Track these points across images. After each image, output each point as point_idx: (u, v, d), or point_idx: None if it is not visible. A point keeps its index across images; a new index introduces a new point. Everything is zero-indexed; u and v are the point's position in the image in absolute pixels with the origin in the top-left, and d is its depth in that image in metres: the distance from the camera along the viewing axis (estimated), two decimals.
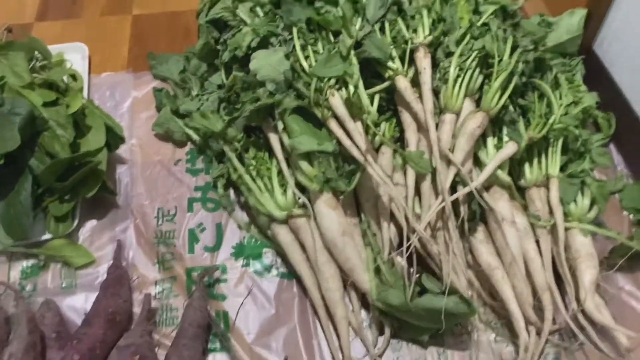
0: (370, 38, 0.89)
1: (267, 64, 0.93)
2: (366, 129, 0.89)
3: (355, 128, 0.86)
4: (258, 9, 1.03)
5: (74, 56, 1.26)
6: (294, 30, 0.91)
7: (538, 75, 0.98)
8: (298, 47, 0.90)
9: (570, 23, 1.10)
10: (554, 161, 0.94)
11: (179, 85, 1.20)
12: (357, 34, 0.89)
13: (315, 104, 0.89)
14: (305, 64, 0.89)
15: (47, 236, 0.98)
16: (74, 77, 1.16)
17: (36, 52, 1.15)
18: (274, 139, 0.97)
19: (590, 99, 1.05)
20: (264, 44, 0.98)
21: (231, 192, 1.06)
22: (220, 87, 1.11)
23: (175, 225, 1.02)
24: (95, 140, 1.02)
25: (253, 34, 0.97)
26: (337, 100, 0.87)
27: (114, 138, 1.07)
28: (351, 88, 0.88)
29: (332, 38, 0.92)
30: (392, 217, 0.91)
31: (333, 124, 0.88)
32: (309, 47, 0.91)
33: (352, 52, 0.88)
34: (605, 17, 1.12)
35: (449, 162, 0.87)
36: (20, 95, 1.00)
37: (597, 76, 1.16)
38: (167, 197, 1.06)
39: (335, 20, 0.90)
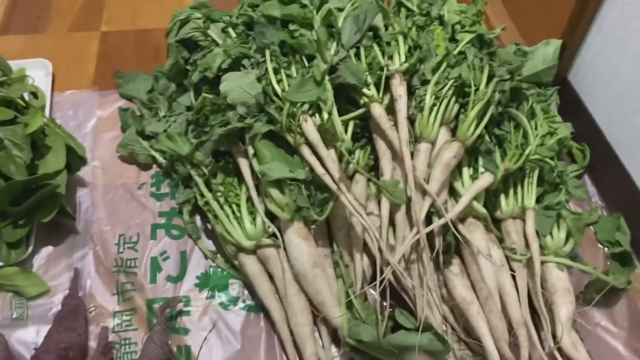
0: (345, 63, 0.86)
1: (238, 86, 0.89)
2: (340, 157, 0.86)
3: (329, 155, 0.83)
4: (230, 30, 1.00)
5: (37, 72, 1.20)
6: (267, 52, 0.88)
7: (514, 105, 0.97)
8: (271, 70, 0.87)
9: (545, 53, 1.10)
10: (529, 192, 0.93)
11: (146, 105, 1.15)
12: (331, 59, 0.87)
13: (288, 130, 0.85)
14: (277, 88, 0.86)
15: None
16: (35, 94, 1.11)
17: None
18: (243, 164, 0.93)
19: (565, 129, 1.05)
20: (235, 65, 0.95)
21: (197, 218, 1.01)
22: (189, 108, 1.07)
23: (137, 253, 0.97)
24: (55, 161, 0.97)
25: (224, 55, 0.93)
26: (310, 126, 0.84)
27: (75, 159, 1.02)
28: (325, 114, 0.85)
29: (306, 62, 0.89)
30: (366, 248, 0.87)
31: (306, 151, 0.85)
32: (282, 71, 0.88)
33: (327, 77, 0.85)
34: (580, 47, 1.12)
35: (424, 193, 0.84)
36: None
37: (572, 106, 1.15)
38: (130, 223, 1.01)
39: (309, 44, 0.87)
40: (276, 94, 0.86)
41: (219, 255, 0.97)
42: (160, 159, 1.06)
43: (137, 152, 1.07)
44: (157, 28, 1.36)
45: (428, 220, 0.84)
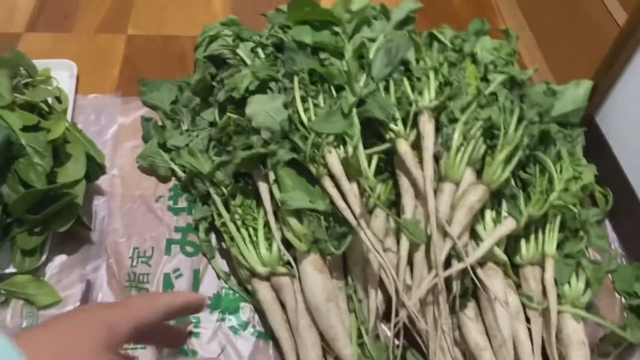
0: (374, 97, 0.85)
1: (264, 110, 0.88)
2: (361, 191, 0.85)
3: (351, 189, 0.82)
4: (259, 50, 0.99)
5: (61, 73, 1.20)
6: (295, 79, 0.87)
7: (541, 148, 0.95)
8: (298, 98, 0.86)
9: (575, 94, 1.08)
10: (550, 239, 0.91)
11: (169, 116, 1.15)
12: (360, 91, 0.85)
13: (311, 160, 0.84)
14: (304, 117, 0.85)
15: (10, 269, 0.91)
16: (58, 98, 1.11)
17: (21, 68, 1.09)
18: (263, 188, 0.92)
19: (590, 174, 1.03)
20: (262, 87, 0.94)
21: (213, 237, 1.00)
22: (211, 124, 1.07)
23: (150, 269, 0.96)
24: (75, 170, 0.96)
25: (252, 76, 0.92)
26: (334, 158, 0.83)
27: (94, 168, 1.01)
28: (350, 148, 0.84)
29: (334, 92, 0.88)
30: (381, 284, 0.86)
31: (327, 183, 0.84)
32: (310, 99, 0.87)
33: (354, 110, 0.84)
34: (611, 90, 1.10)
35: (445, 234, 0.83)
36: None
37: (597, 148, 1.14)
38: (145, 236, 1.00)
39: (339, 74, 0.86)
40: (302, 123, 0.86)
41: (232, 276, 0.96)
42: (180, 173, 1.05)
43: (157, 165, 1.07)
44: (183, 35, 1.36)
45: (446, 262, 0.83)
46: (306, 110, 0.86)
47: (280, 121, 0.87)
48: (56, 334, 0.41)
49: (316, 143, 0.84)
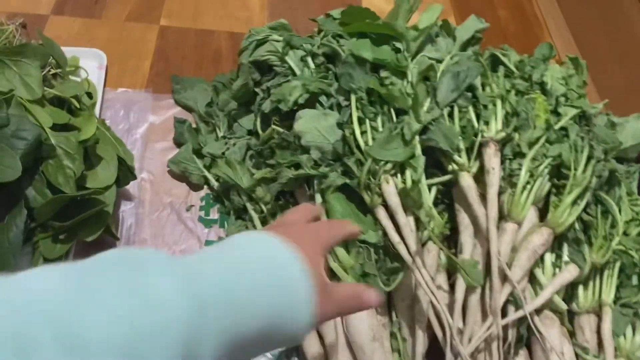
0: (438, 125, 0.79)
1: (315, 128, 0.82)
2: (417, 224, 0.79)
3: (407, 223, 0.76)
4: (309, 60, 0.93)
5: (90, 64, 1.13)
6: (353, 98, 0.81)
7: (604, 187, 0.89)
8: (355, 120, 0.80)
9: (636, 128, 1.02)
10: (609, 287, 0.86)
11: (203, 118, 1.08)
12: (424, 117, 0.79)
13: (365, 188, 0.78)
14: (360, 140, 0.79)
15: None
16: (90, 94, 1.04)
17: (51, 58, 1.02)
18: None
19: None
20: (311, 101, 0.88)
21: None
22: (250, 132, 1.00)
23: None
24: (106, 175, 0.90)
25: (302, 89, 0.86)
26: (391, 188, 0.77)
27: (125, 171, 0.95)
28: (408, 177, 0.77)
29: (394, 116, 0.81)
30: (429, 325, 0.81)
31: (382, 213, 0.78)
32: (367, 121, 0.80)
33: (417, 137, 0.78)
34: None
35: (504, 278, 0.77)
36: (27, 112, 0.87)
37: None
38: (174, 249, 0.94)
39: (402, 97, 0.80)
40: (358, 147, 0.79)
41: None
42: (213, 182, 0.99)
43: (190, 172, 1.00)
44: (219, 30, 1.29)
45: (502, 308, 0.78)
46: (363, 132, 0.80)
47: (333, 142, 0.81)
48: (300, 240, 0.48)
49: (373, 170, 0.77)
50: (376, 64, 0.84)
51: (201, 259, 0.43)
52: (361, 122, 0.81)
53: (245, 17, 1.34)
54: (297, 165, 0.84)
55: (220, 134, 1.03)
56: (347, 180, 0.80)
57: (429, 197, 0.79)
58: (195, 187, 1.02)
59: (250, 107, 1.00)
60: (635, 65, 1.21)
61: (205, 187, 1.02)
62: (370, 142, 0.79)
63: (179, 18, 1.31)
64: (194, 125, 1.07)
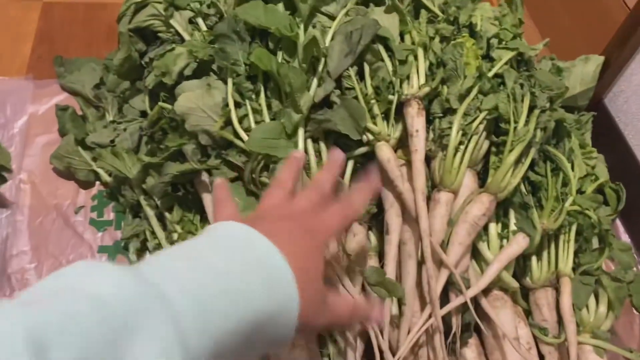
0: (341, 102, 0.64)
1: (199, 107, 0.67)
2: None
3: None
4: (200, 21, 0.78)
5: None
6: (230, 81, 0.66)
7: (553, 142, 0.77)
8: (231, 104, 0.65)
9: (584, 72, 0.91)
10: (565, 255, 0.74)
11: (92, 102, 0.93)
12: (314, 93, 0.65)
13: (252, 183, 0.65)
14: (239, 129, 0.65)
15: None
16: None
17: None
18: (208, 200, 0.72)
19: (604, 169, 0.86)
20: (203, 70, 0.73)
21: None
22: (143, 114, 0.85)
23: None
24: None
25: (188, 56, 0.71)
26: None
27: None
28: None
29: (284, 94, 0.66)
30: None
31: None
32: (248, 103, 0.66)
33: (301, 129, 0.64)
34: (626, 67, 0.93)
35: (440, 261, 0.65)
36: None
37: (606, 136, 0.97)
38: (61, 260, 0.80)
39: (281, 77, 0.64)
40: (238, 136, 0.65)
41: None
42: (105, 177, 0.84)
43: (75, 167, 0.85)
44: (113, 2, 1.11)
45: (442, 292, 0.66)
46: (243, 117, 0.65)
47: (217, 130, 0.66)
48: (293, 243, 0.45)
49: (259, 161, 0.64)
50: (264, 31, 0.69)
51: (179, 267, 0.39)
52: (238, 105, 0.66)
53: None
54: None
55: (110, 119, 0.87)
56: (236, 174, 0.66)
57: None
58: (85, 185, 0.86)
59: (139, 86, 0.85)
60: (579, 5, 1.09)
61: (98, 183, 0.87)
62: (253, 128, 0.64)
63: None
64: (80, 112, 0.92)
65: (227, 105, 0.66)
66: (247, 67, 0.67)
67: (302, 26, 0.65)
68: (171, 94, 0.75)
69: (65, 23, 1.08)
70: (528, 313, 0.74)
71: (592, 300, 0.75)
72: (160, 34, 0.80)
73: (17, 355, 0.28)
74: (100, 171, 0.84)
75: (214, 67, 0.73)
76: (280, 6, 0.70)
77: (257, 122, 0.64)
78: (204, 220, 0.74)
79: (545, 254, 0.73)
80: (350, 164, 0.68)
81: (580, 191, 0.79)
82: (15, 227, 0.81)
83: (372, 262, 0.72)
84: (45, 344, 0.29)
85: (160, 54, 0.74)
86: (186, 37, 0.78)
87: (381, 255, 0.73)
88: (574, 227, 0.75)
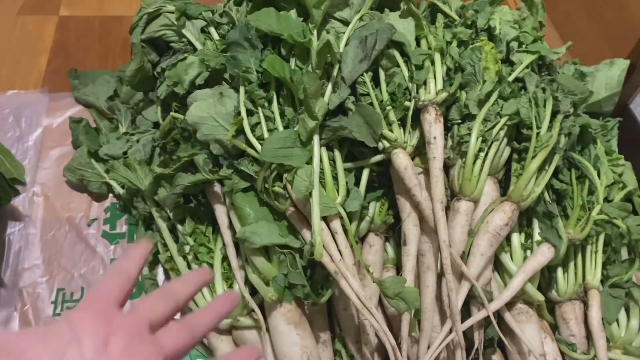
0: (356, 109, 0.62)
1: (211, 117, 0.66)
2: (349, 216, 0.63)
3: (324, 227, 0.60)
4: (212, 31, 0.77)
5: None
6: (242, 90, 0.65)
7: (577, 148, 0.74)
8: (244, 112, 0.64)
9: (609, 76, 0.87)
10: (593, 266, 0.71)
11: (105, 114, 0.92)
12: (329, 100, 0.63)
13: (264, 192, 0.63)
14: (251, 137, 0.63)
15: None
16: None
17: None
18: (220, 212, 0.70)
19: (631, 176, 0.83)
20: (215, 79, 0.72)
21: (160, 271, 0.78)
22: (156, 125, 0.84)
23: None
24: None
25: (200, 66, 0.70)
26: None
27: (4, 187, 0.78)
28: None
29: (297, 101, 0.65)
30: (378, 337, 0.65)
31: (294, 217, 0.63)
32: (260, 111, 0.64)
33: (316, 136, 0.62)
34: None
35: (461, 273, 0.62)
36: None
37: (633, 141, 0.93)
38: (73, 273, 0.78)
39: (294, 84, 0.62)
40: (250, 144, 0.63)
41: None
42: (118, 189, 0.83)
43: (88, 179, 0.84)
44: (128, 15, 1.11)
45: (463, 306, 0.63)
46: (256, 126, 0.64)
47: (230, 138, 0.65)
48: None
49: (272, 170, 0.62)
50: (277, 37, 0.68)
51: None
52: (250, 113, 0.64)
53: None
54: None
55: (123, 130, 0.86)
56: (249, 184, 0.65)
57: (345, 191, 0.62)
58: (98, 198, 0.85)
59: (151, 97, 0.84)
60: (601, 9, 1.06)
61: (110, 196, 0.86)
62: (266, 136, 0.62)
63: (82, 6, 1.14)
64: (94, 125, 0.91)
65: (239, 113, 0.64)
66: (259, 74, 0.65)
67: (315, 32, 0.63)
68: (183, 104, 0.74)
69: (81, 36, 1.08)
70: (554, 327, 0.70)
71: (622, 314, 0.72)
72: (172, 44, 0.79)
73: None
74: (113, 183, 0.83)
75: (226, 75, 0.71)
76: (293, 13, 0.69)
77: (269, 130, 0.62)
78: (216, 232, 0.72)
79: (571, 265, 0.70)
80: (366, 172, 0.66)
81: (607, 199, 0.76)
82: (28, 241, 0.80)
83: (390, 274, 0.70)
84: None
85: (172, 64, 0.73)
86: (198, 46, 0.77)
87: (399, 268, 0.71)
88: (601, 237, 0.72)
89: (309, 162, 0.60)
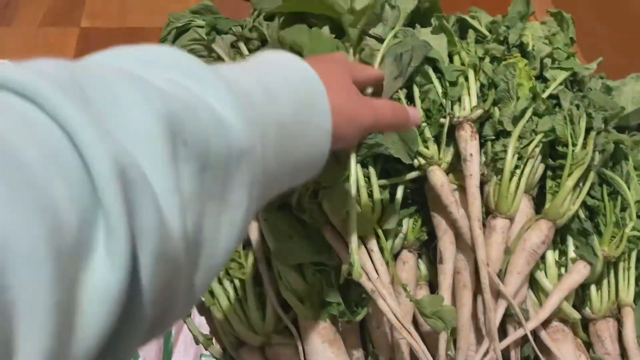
0: None
1: None
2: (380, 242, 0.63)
3: (360, 244, 0.60)
4: (241, 45, 0.77)
5: None
6: None
7: (609, 164, 0.74)
8: None
9: (636, 90, 0.87)
10: (626, 283, 0.70)
11: None
12: None
13: (299, 209, 0.63)
14: None
15: None
16: None
17: None
18: (252, 227, 0.70)
19: None
20: None
21: None
22: None
23: None
24: None
25: None
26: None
27: None
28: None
29: None
30: (412, 356, 0.65)
31: (329, 234, 0.62)
32: None
33: (353, 153, 0.62)
34: None
35: (498, 292, 0.61)
36: None
37: None
38: None
39: None
40: None
41: (213, 341, 0.74)
42: None
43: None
44: (150, 27, 1.12)
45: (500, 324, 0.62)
46: None
47: None
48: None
49: (306, 186, 0.62)
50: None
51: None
52: None
53: (181, 9, 1.17)
54: None
55: None
56: (284, 200, 0.64)
57: (379, 208, 0.62)
58: None
59: None
60: (622, 23, 1.07)
61: None
62: None
63: (103, 18, 1.15)
64: None
65: None
66: None
67: (351, 51, 0.63)
68: None
69: (102, 48, 1.08)
70: (588, 345, 0.70)
71: None
72: (201, 59, 0.79)
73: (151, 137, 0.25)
74: None
75: None
76: (326, 30, 0.69)
77: None
78: (248, 247, 0.72)
79: (605, 282, 0.70)
80: (400, 189, 0.65)
81: (638, 215, 0.76)
82: None
83: (423, 292, 0.69)
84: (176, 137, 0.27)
85: None
86: (228, 61, 0.77)
87: (432, 285, 0.71)
88: (634, 254, 0.72)
89: (346, 179, 0.60)
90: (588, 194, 0.72)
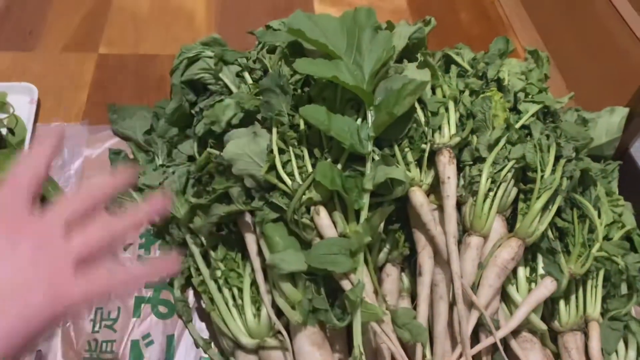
0: (382, 157, 0.70)
1: (246, 154, 0.73)
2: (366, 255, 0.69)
3: None
4: (246, 75, 0.84)
5: (20, 98, 1.05)
6: (274, 131, 0.72)
7: (579, 190, 0.81)
8: (275, 150, 0.71)
9: (610, 123, 0.94)
10: (593, 299, 0.76)
11: (142, 147, 0.99)
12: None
13: (294, 223, 0.69)
14: (282, 173, 0.70)
15: None
16: (12, 130, 0.95)
17: None
18: (250, 240, 0.77)
19: (630, 217, 0.88)
20: (248, 120, 0.79)
21: (190, 294, 0.85)
22: (190, 158, 0.91)
23: (115, 334, 0.80)
24: None
25: (236, 107, 0.78)
26: (324, 221, 0.68)
27: None
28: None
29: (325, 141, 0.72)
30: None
31: None
32: (290, 150, 0.71)
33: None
34: None
35: (471, 303, 0.68)
36: None
37: (632, 183, 0.99)
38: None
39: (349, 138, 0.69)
40: (281, 179, 0.70)
41: (212, 344, 0.80)
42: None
43: (126, 207, 0.91)
44: (163, 54, 1.20)
45: (473, 333, 0.69)
46: (286, 163, 0.71)
47: (263, 174, 0.72)
48: None
49: (302, 202, 0.69)
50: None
51: None
52: (282, 152, 0.72)
53: (191, 39, 1.25)
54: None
55: (159, 163, 0.94)
56: (278, 215, 0.71)
57: (367, 226, 0.69)
58: None
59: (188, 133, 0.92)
60: (604, 59, 1.14)
61: None
62: (296, 173, 0.70)
63: (119, 45, 1.23)
64: (132, 156, 0.99)
65: (271, 151, 0.71)
66: (290, 117, 0.73)
67: (365, 81, 0.71)
68: (219, 141, 0.81)
69: (118, 73, 1.17)
70: (557, 356, 0.76)
71: (621, 346, 0.77)
72: (209, 86, 0.87)
73: None
74: None
75: (259, 116, 0.79)
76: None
77: (299, 167, 0.69)
78: (245, 258, 0.79)
79: (573, 298, 0.76)
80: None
81: (607, 238, 0.82)
82: None
83: (405, 302, 0.76)
84: None
85: (210, 105, 0.81)
86: (233, 89, 0.84)
87: (413, 296, 0.77)
88: (601, 273, 0.78)
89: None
90: (559, 216, 0.79)
